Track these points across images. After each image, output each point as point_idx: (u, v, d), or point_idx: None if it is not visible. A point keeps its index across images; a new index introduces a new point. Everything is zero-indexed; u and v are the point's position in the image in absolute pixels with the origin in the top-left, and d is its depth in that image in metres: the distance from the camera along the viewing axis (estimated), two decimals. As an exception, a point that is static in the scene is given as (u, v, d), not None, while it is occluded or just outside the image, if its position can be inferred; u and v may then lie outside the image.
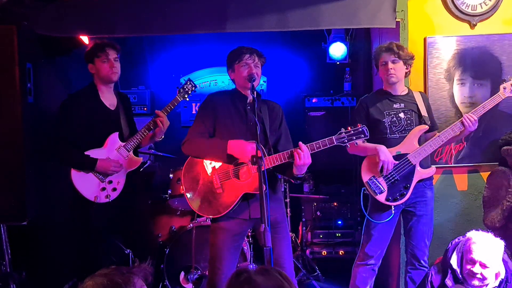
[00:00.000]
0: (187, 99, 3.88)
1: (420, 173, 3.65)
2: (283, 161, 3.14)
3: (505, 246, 3.20)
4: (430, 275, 3.42)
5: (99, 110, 3.77)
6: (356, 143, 3.12)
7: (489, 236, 3.20)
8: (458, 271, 3.22)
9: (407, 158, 3.61)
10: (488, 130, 4.20)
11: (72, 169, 3.66)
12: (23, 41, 3.82)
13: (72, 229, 3.93)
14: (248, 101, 3.34)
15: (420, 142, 3.66)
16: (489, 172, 4.07)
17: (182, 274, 4.33)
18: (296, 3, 4.00)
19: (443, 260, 3.41)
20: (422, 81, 4.23)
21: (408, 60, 3.71)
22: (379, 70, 3.78)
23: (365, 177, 3.67)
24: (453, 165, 4.23)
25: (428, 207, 3.74)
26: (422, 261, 3.74)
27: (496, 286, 3.18)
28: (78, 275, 4.51)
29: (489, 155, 4.20)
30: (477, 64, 4.18)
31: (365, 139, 3.11)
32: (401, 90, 3.80)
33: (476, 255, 3.10)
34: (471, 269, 3.11)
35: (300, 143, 3.09)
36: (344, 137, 3.10)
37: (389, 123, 3.68)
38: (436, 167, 4.20)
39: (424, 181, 3.71)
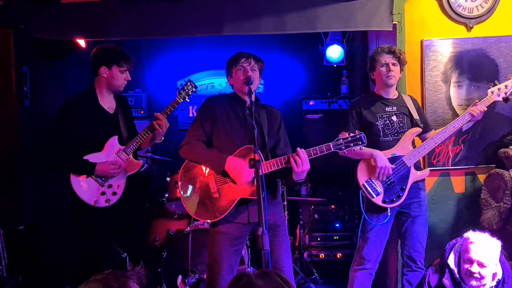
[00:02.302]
0: (188, 100, 3.81)
1: (415, 175, 3.68)
2: (280, 167, 3.13)
3: (502, 247, 3.21)
4: (427, 275, 3.42)
5: (97, 114, 3.71)
6: (353, 150, 3.12)
7: (486, 235, 3.21)
8: (456, 271, 3.22)
9: (402, 160, 3.63)
10: (485, 133, 4.21)
11: (71, 174, 3.61)
12: (19, 44, 3.82)
13: (71, 234, 3.91)
14: (247, 105, 3.33)
15: (412, 144, 3.69)
16: (486, 175, 4.08)
17: (180, 278, 4.31)
18: (293, 6, 4.01)
19: (440, 260, 3.41)
20: (419, 83, 4.23)
21: (403, 66, 3.81)
22: (376, 70, 3.78)
23: (362, 179, 3.68)
24: (450, 167, 4.24)
25: (422, 208, 3.75)
26: (418, 263, 3.74)
27: (493, 287, 3.18)
28: (74, 279, 4.51)
29: (486, 157, 4.21)
30: (474, 67, 4.19)
31: (362, 146, 3.11)
32: (393, 93, 3.84)
33: (474, 254, 3.11)
34: (469, 268, 3.11)
35: (298, 149, 3.08)
36: (341, 143, 3.10)
37: (382, 126, 3.70)
38: (434, 170, 4.22)
39: (417, 182, 3.74)
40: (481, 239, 3.16)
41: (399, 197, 3.64)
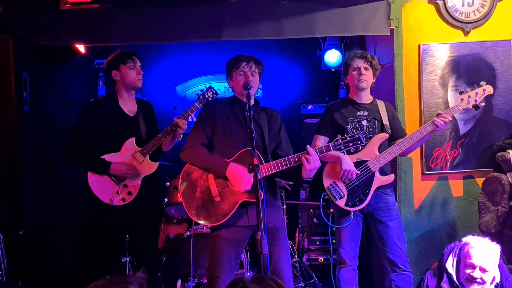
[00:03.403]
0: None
1: (379, 180, 3.69)
2: (289, 166, 3.16)
3: (500, 251, 3.22)
4: (426, 279, 3.44)
5: (117, 116, 3.86)
6: (353, 149, 3.15)
7: (487, 240, 3.22)
8: (454, 275, 3.23)
9: (367, 165, 3.65)
10: (483, 137, 4.22)
11: (89, 172, 3.75)
12: (19, 50, 3.85)
13: (71, 238, 3.95)
14: (247, 107, 3.35)
15: (381, 150, 3.70)
16: (484, 178, 4.09)
17: (179, 282, 4.32)
18: (291, 11, 4.03)
19: (439, 264, 3.42)
20: (416, 87, 4.25)
21: (376, 71, 3.81)
22: (348, 75, 3.82)
23: (326, 182, 3.72)
24: (448, 171, 4.25)
25: (392, 212, 3.74)
26: (402, 266, 3.72)
27: (491, 290, 3.19)
28: (74, 284, 4.52)
29: (484, 161, 4.22)
30: (471, 71, 4.21)
31: (361, 146, 3.14)
32: (366, 98, 3.84)
33: (475, 260, 3.11)
34: (471, 274, 3.12)
35: (308, 147, 3.12)
36: (340, 144, 3.12)
37: (352, 130, 3.72)
38: (432, 174, 4.24)
39: (384, 188, 3.74)
40: (482, 244, 3.16)
41: (361, 201, 3.67)
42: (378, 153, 3.67)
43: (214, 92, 3.93)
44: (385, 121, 3.78)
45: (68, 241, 4.28)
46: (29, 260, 4.17)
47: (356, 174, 3.62)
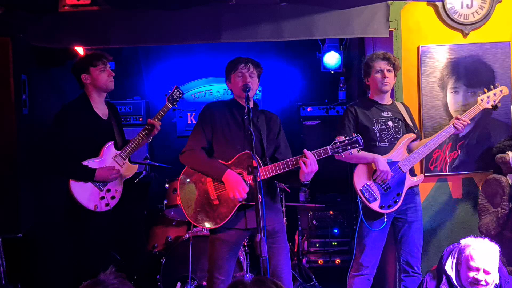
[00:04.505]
0: (176, 106, 4.01)
1: (410, 181, 3.70)
2: (287, 169, 3.16)
3: (500, 252, 3.21)
4: (425, 281, 3.42)
5: (93, 121, 3.78)
6: (351, 153, 3.13)
7: (487, 241, 3.20)
8: (453, 277, 3.22)
9: (398, 165, 3.65)
10: (482, 138, 4.22)
11: (70, 179, 3.64)
12: (18, 53, 3.84)
13: (69, 240, 3.92)
14: (245, 110, 3.35)
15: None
16: (484, 180, 4.09)
17: (179, 284, 4.31)
18: (290, 13, 4.03)
19: (438, 266, 3.41)
20: (416, 89, 4.25)
21: (397, 72, 3.83)
22: (371, 76, 3.79)
23: (359, 185, 3.67)
24: (448, 173, 4.24)
25: (418, 213, 3.77)
26: (415, 268, 3.75)
27: (490, 292, 3.18)
28: (72, 286, 4.50)
29: (484, 163, 4.22)
30: (470, 73, 4.21)
31: (359, 149, 3.12)
32: (388, 99, 3.86)
33: (479, 262, 3.08)
34: (476, 276, 3.09)
35: (305, 150, 3.11)
36: (338, 147, 3.12)
37: (379, 131, 3.71)
38: (431, 175, 4.23)
39: (413, 187, 3.76)
40: (484, 246, 3.14)
41: (395, 202, 3.65)
42: (407, 154, 3.67)
43: (181, 92, 3.97)
44: (409, 121, 3.79)
45: (67, 244, 4.26)
46: (28, 263, 4.17)
47: (391, 176, 3.60)
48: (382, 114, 3.77)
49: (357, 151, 3.14)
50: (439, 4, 4.19)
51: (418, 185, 3.81)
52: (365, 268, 3.74)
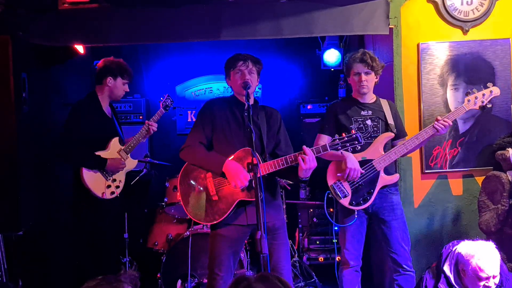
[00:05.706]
0: (167, 111, 4.45)
1: (384, 179, 3.67)
2: (286, 166, 3.16)
3: (499, 249, 3.20)
4: (425, 279, 3.41)
5: (101, 117, 4.09)
6: (350, 150, 3.13)
7: (487, 246, 3.15)
8: (452, 278, 3.21)
9: (372, 164, 3.64)
10: (482, 135, 4.22)
11: (83, 168, 3.88)
12: (17, 51, 3.84)
13: (70, 237, 4.00)
14: (245, 107, 3.35)
15: (385, 149, 3.69)
16: (484, 177, 4.08)
17: (179, 282, 4.31)
18: (290, 11, 4.03)
19: (437, 264, 3.40)
20: (416, 86, 4.25)
21: (379, 70, 3.75)
22: (350, 78, 3.79)
23: (330, 180, 3.70)
24: (448, 170, 4.25)
25: (396, 212, 3.72)
26: (405, 266, 3.72)
27: (491, 290, 3.17)
28: (74, 283, 4.52)
29: (484, 159, 4.22)
30: (470, 70, 4.21)
31: (359, 146, 3.12)
32: (370, 98, 3.82)
33: (489, 271, 3.05)
34: (486, 284, 3.08)
35: (304, 147, 3.11)
36: (338, 143, 3.11)
37: (356, 129, 3.68)
38: (431, 172, 4.23)
39: (389, 187, 3.72)
40: (487, 253, 3.07)
41: (365, 200, 3.66)
42: (383, 152, 3.66)
43: (172, 100, 4.43)
44: (390, 120, 3.75)
45: (68, 241, 4.27)
46: (29, 261, 4.18)
47: (361, 173, 3.60)
48: (362, 113, 3.76)
49: (357, 148, 3.14)
50: (439, 1, 4.19)
51: (396, 185, 3.79)
52: (350, 260, 3.76)
